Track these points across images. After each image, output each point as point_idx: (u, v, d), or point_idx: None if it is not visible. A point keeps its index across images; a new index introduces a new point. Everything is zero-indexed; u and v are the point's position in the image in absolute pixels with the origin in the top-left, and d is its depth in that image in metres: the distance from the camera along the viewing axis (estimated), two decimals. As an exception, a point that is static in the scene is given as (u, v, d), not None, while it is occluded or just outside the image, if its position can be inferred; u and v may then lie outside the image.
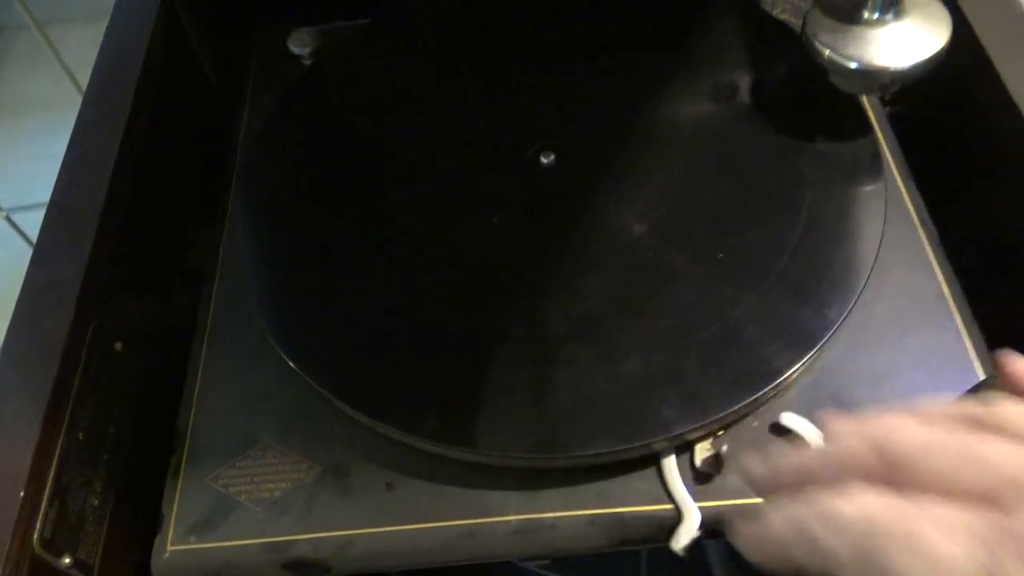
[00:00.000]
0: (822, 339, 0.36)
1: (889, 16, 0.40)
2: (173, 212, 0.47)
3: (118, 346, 0.40)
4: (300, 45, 0.51)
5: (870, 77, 0.40)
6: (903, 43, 0.40)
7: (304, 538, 0.36)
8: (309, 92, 0.49)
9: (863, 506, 0.21)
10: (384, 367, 0.38)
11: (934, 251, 0.41)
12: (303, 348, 0.39)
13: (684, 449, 0.36)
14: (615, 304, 0.38)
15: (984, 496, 0.20)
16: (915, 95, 0.48)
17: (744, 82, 0.45)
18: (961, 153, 0.45)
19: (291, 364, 0.38)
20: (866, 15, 0.40)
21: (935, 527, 0.20)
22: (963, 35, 0.42)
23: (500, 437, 0.35)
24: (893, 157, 0.45)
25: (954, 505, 0.20)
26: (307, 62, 0.51)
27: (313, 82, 0.49)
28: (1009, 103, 0.39)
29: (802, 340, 0.36)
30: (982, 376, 0.37)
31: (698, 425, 0.35)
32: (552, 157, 0.43)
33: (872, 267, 0.38)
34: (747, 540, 0.24)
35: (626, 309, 0.38)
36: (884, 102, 0.48)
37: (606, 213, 0.41)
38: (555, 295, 0.39)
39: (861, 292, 0.37)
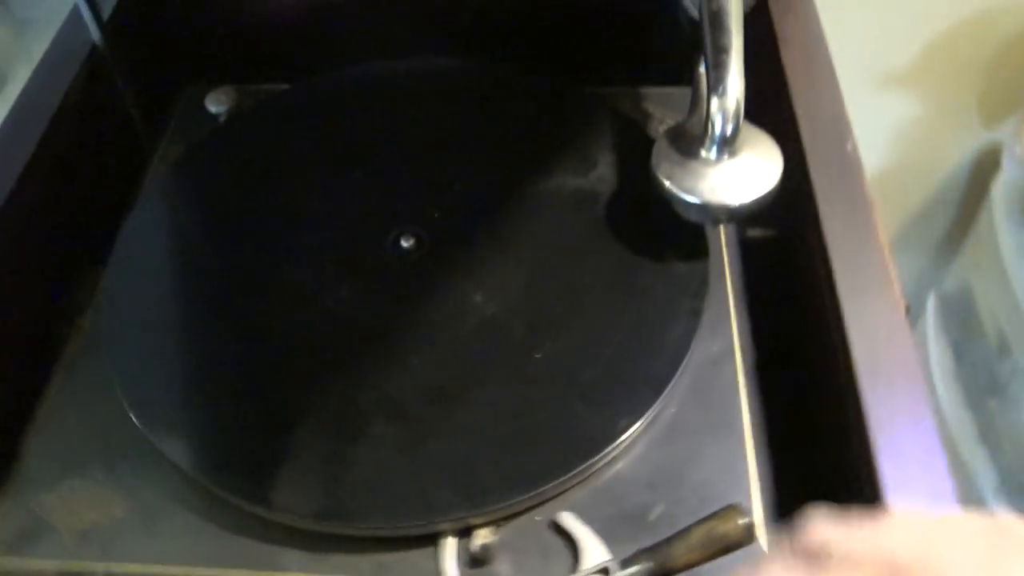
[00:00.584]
0: (604, 449, 0.39)
1: (725, 155, 0.43)
2: (63, 248, 0.50)
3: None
4: (217, 104, 0.55)
5: (704, 211, 0.43)
6: (735, 182, 0.43)
7: (101, 570, 0.38)
8: (204, 155, 0.52)
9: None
10: (207, 424, 0.41)
11: (745, 375, 0.43)
12: (139, 393, 0.42)
13: (467, 533, 0.39)
14: (427, 389, 0.41)
15: None
16: (766, 223, 0.51)
17: (605, 190, 0.49)
18: (791, 289, 0.48)
19: (125, 405, 0.41)
20: (704, 153, 0.44)
21: None
22: (796, 175, 0.45)
23: (289, 499, 0.38)
24: (732, 279, 0.48)
25: None
26: (222, 120, 0.55)
27: (209, 146, 0.53)
28: (822, 245, 0.42)
29: (586, 446, 0.39)
30: (757, 502, 0.40)
31: (474, 513, 0.37)
32: (412, 241, 0.47)
33: (670, 386, 0.41)
34: None
35: (436, 395, 0.41)
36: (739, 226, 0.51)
37: (445, 302, 0.44)
38: (374, 375, 0.42)
39: (659, 405, 0.40)
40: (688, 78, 0.60)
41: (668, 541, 0.34)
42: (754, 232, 0.51)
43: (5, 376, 0.45)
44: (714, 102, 0.42)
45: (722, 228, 0.50)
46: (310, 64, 0.57)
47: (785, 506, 0.40)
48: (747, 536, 0.33)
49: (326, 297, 0.45)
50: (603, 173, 0.49)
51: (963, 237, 1.00)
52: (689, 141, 0.45)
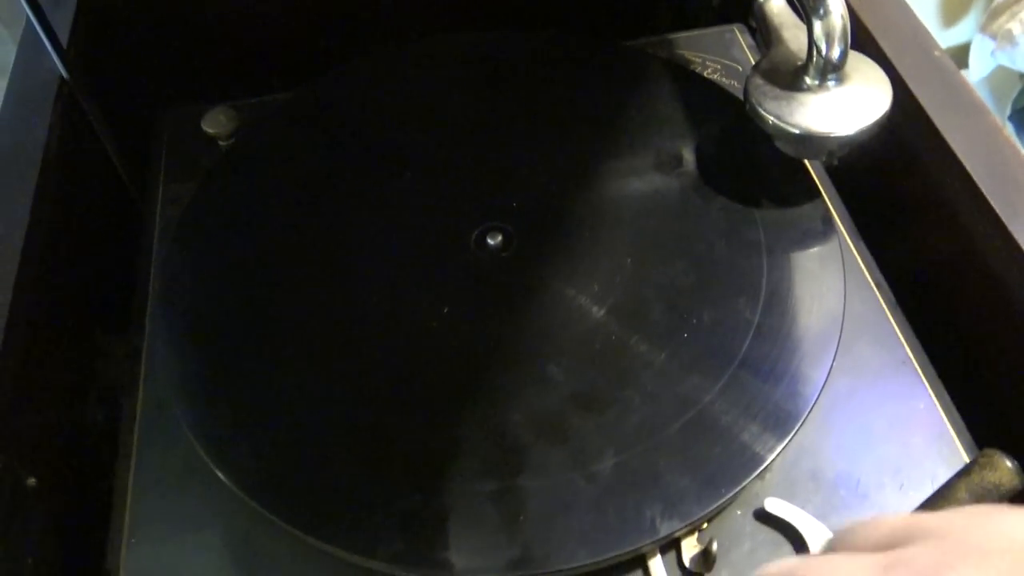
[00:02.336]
0: (800, 419, 0.35)
1: (831, 82, 0.40)
2: (82, 320, 0.43)
3: (31, 482, 0.36)
4: (215, 126, 0.48)
5: (816, 143, 0.40)
6: (847, 109, 0.39)
7: None
8: (230, 177, 0.45)
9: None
10: (334, 484, 0.35)
11: (893, 313, 0.40)
12: (242, 467, 0.35)
13: (669, 547, 0.34)
14: (579, 399, 0.36)
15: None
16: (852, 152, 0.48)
17: (689, 150, 0.44)
18: (900, 203, 0.45)
19: (229, 486, 0.34)
20: (808, 81, 0.40)
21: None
22: (899, 95, 0.42)
23: (472, 558, 0.32)
24: (840, 217, 0.44)
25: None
26: (224, 143, 0.48)
27: (233, 165, 0.46)
28: (948, 154, 0.39)
29: (779, 422, 0.35)
30: (955, 438, 0.36)
31: (684, 524, 0.33)
32: (499, 238, 0.41)
33: (839, 337, 0.37)
34: None
35: (591, 404, 0.36)
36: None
37: (561, 299, 0.39)
38: (514, 393, 0.36)
39: (832, 365, 0.36)
40: (702, 19, 0.57)
41: (931, 504, 0.30)
42: (838, 161, 0.48)
43: (69, 488, 0.37)
44: (817, 25, 0.38)
45: (808, 164, 0.46)
46: (300, 67, 0.51)
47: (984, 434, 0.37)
48: (1020, 483, 0.30)
49: (428, 314, 0.39)
50: (679, 129, 0.45)
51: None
52: (785, 73, 0.41)
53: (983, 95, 0.86)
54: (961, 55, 0.85)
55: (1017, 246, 0.37)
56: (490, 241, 0.41)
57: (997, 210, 0.38)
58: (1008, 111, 0.86)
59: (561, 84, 0.48)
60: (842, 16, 0.38)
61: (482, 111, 0.47)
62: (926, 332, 0.40)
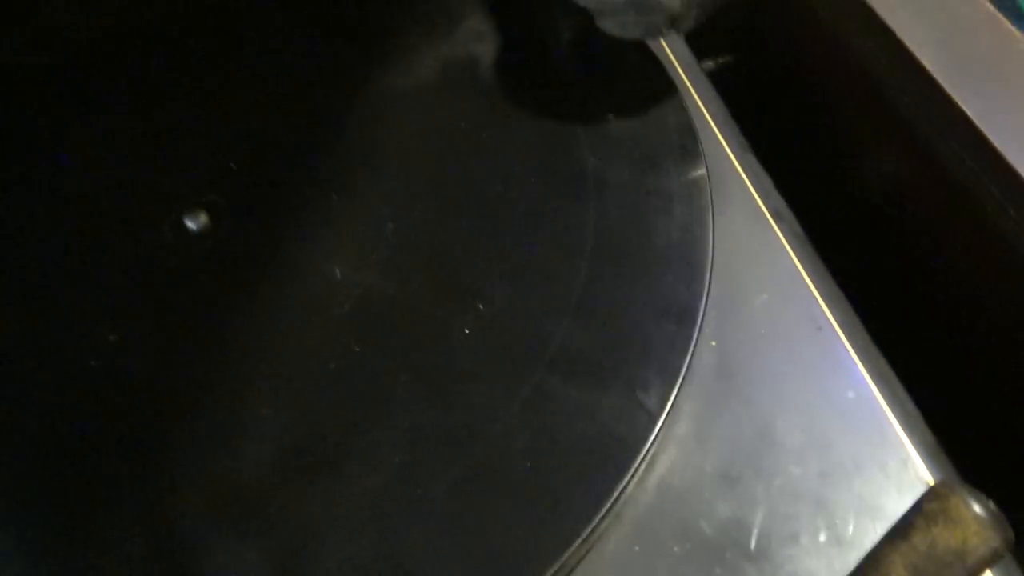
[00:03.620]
0: (647, 441, 0.21)
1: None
2: None
3: None
4: None
5: (643, 11, 0.26)
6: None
7: None
8: None
9: None
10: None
11: (803, 259, 0.27)
12: None
13: None
14: (304, 455, 0.22)
15: None
16: (735, 43, 0.35)
17: (482, 45, 0.31)
18: (798, 110, 0.31)
19: None
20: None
21: None
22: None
23: None
24: (719, 127, 0.31)
25: None
26: None
27: None
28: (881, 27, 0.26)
29: (610, 455, 0.21)
30: (912, 452, 0.23)
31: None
32: (203, 218, 0.28)
33: (704, 303, 0.23)
34: None
35: (321, 462, 0.22)
36: (699, 55, 0.34)
37: (288, 301, 0.26)
38: (199, 454, 0.23)
39: (694, 347, 0.23)
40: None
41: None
42: (724, 57, 0.34)
43: None
44: None
45: (672, 55, 0.33)
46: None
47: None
48: (1001, 542, 0.16)
49: (90, 342, 0.25)
50: (474, 24, 0.31)
51: None
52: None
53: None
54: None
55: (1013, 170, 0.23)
56: (190, 224, 0.27)
57: (968, 112, 0.24)
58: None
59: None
60: None
61: (164, 41, 0.33)
62: (861, 288, 0.27)
